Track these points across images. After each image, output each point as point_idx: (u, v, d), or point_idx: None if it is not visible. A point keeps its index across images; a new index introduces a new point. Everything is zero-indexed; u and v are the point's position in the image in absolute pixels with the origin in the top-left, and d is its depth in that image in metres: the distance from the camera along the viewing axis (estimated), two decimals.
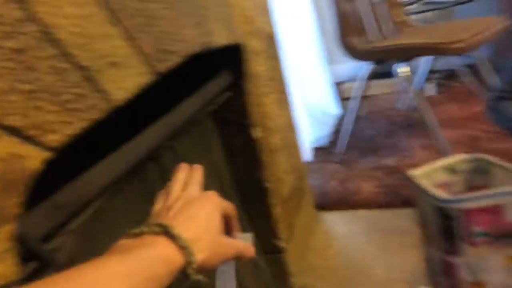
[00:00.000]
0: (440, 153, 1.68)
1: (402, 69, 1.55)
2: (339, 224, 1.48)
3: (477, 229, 0.75)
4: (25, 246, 0.42)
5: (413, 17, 1.97)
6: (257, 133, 1.02)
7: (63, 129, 0.42)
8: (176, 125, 0.69)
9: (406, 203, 1.47)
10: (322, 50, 2.26)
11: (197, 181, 0.50)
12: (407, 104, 2.25)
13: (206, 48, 0.70)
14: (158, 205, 0.48)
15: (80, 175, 0.52)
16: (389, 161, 1.77)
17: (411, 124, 2.09)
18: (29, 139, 0.39)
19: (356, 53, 1.63)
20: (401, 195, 1.50)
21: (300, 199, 1.36)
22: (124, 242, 0.38)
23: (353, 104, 1.77)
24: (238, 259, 0.46)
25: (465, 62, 2.50)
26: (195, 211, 0.43)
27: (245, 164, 1.05)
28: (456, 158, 0.88)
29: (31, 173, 0.39)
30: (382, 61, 1.62)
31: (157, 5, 0.56)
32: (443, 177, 0.87)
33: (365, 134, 2.09)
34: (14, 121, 0.38)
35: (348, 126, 1.81)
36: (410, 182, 0.83)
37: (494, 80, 1.76)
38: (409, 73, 1.55)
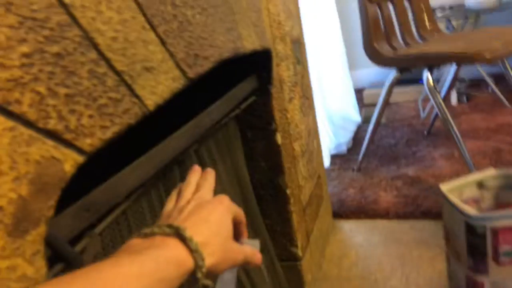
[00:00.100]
0: (462, 164, 1.66)
1: (426, 77, 1.53)
2: (355, 234, 1.46)
3: (505, 247, 0.73)
4: (53, 248, 0.42)
5: (439, 23, 1.93)
6: (279, 138, 1.01)
7: (98, 133, 0.42)
8: (203, 129, 0.69)
9: (425, 214, 1.45)
10: (345, 55, 2.24)
11: (209, 184, 0.50)
12: (429, 113, 2.22)
13: (237, 54, 0.70)
14: (169, 206, 0.48)
15: (109, 177, 0.52)
16: (409, 170, 1.74)
17: (433, 133, 2.06)
18: (65, 142, 0.39)
19: (381, 60, 1.61)
20: (420, 206, 1.48)
21: (318, 206, 1.35)
22: (135, 242, 0.38)
23: (374, 111, 1.75)
24: (245, 265, 0.45)
25: (490, 71, 2.45)
26: (207, 214, 0.42)
27: (266, 169, 1.05)
28: (486, 174, 0.86)
29: (66, 177, 0.39)
30: (407, 69, 1.60)
31: (192, 10, 0.56)
32: (472, 192, 0.85)
33: (385, 142, 2.06)
34: (51, 124, 0.38)
35: (368, 133, 1.79)
36: (439, 196, 0.82)
37: None
38: (433, 82, 1.52)
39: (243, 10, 0.76)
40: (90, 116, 0.41)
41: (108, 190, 0.50)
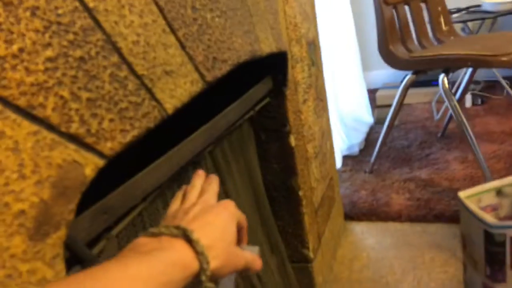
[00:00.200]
0: (476, 167, 1.64)
1: (442, 80, 1.51)
2: (367, 236, 1.45)
3: None
4: (72, 250, 0.43)
5: (455, 26, 1.91)
6: (293, 140, 1.01)
7: (118, 137, 0.42)
8: (218, 131, 0.69)
9: (438, 218, 1.43)
10: (359, 56, 2.23)
11: (214, 189, 0.50)
12: (443, 115, 2.20)
13: (254, 57, 0.70)
14: (173, 207, 0.48)
15: (125, 178, 0.52)
16: (422, 173, 1.73)
17: (447, 136, 2.03)
18: (86, 146, 0.39)
19: (396, 62, 1.59)
20: (433, 210, 1.46)
21: (330, 208, 1.35)
22: (142, 241, 0.38)
23: (388, 113, 1.74)
24: (245, 271, 0.46)
25: (505, 74, 2.42)
26: (212, 218, 0.43)
27: (279, 171, 1.05)
28: (505, 181, 0.85)
29: (86, 181, 0.40)
30: (423, 71, 1.58)
31: (211, 13, 0.56)
32: (490, 199, 0.84)
33: (398, 144, 2.05)
34: (73, 128, 0.38)
35: (381, 135, 1.78)
36: (453, 200, 0.80)
37: None
38: (448, 84, 1.50)
39: (261, 13, 0.75)
40: (111, 120, 0.41)
41: (125, 193, 0.50)
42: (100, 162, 0.41)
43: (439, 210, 1.46)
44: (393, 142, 2.07)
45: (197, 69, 0.53)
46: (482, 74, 2.57)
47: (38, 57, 0.34)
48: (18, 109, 0.34)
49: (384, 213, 1.51)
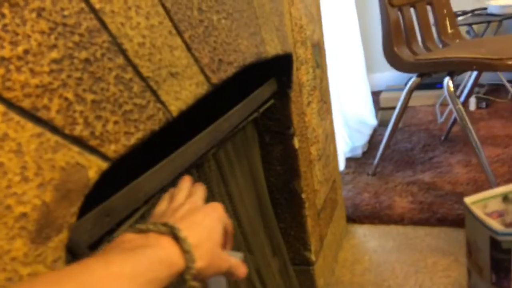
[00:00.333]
0: (480, 171, 1.63)
1: (447, 83, 1.50)
2: (369, 239, 1.45)
3: None
4: (73, 253, 0.42)
5: (461, 29, 1.90)
6: (297, 142, 1.00)
7: (122, 139, 0.42)
8: (222, 134, 0.68)
9: (441, 221, 1.43)
10: (363, 58, 2.22)
11: (201, 192, 0.50)
12: (447, 118, 2.19)
13: (259, 59, 0.69)
14: (161, 207, 0.48)
15: (128, 180, 0.52)
16: (425, 176, 1.72)
17: (450, 139, 2.02)
18: (90, 149, 0.39)
19: (401, 65, 1.58)
20: (436, 213, 1.46)
21: (333, 210, 1.34)
22: (128, 237, 0.38)
23: (392, 115, 1.73)
24: (229, 276, 0.45)
25: (510, 77, 2.41)
26: (201, 218, 0.43)
27: (282, 173, 1.04)
28: (511, 187, 0.84)
29: (89, 183, 0.39)
30: (428, 74, 1.57)
31: (217, 15, 0.56)
32: (497, 205, 0.83)
33: (402, 147, 2.04)
34: (77, 131, 0.38)
35: (385, 137, 1.77)
36: (464, 209, 0.80)
37: None
38: (453, 87, 1.49)
39: (266, 14, 0.75)
40: (115, 122, 0.41)
41: (128, 195, 0.50)
42: (104, 165, 0.40)
43: (442, 213, 1.45)
44: (397, 144, 2.06)
45: (202, 71, 0.53)
46: (487, 77, 2.56)
47: (43, 58, 0.34)
48: (22, 111, 0.33)
49: (387, 216, 1.51)
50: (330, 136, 1.32)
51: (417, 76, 1.59)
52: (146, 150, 0.57)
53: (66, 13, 0.35)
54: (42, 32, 0.33)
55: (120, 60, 0.40)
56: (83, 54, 0.37)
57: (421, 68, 1.54)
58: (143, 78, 0.43)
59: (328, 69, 1.35)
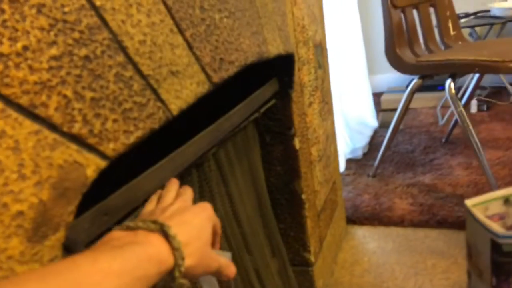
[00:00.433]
0: (480, 174, 1.62)
1: (448, 85, 1.49)
2: (369, 240, 1.44)
3: None
4: (71, 252, 0.42)
5: (463, 31, 1.90)
6: (298, 143, 1.00)
7: (121, 138, 0.41)
8: (223, 133, 0.68)
9: (441, 224, 1.42)
10: (365, 59, 2.21)
11: (190, 194, 0.50)
12: (448, 120, 2.18)
13: (261, 58, 0.69)
14: (149, 207, 0.48)
15: (127, 179, 0.52)
16: (426, 178, 1.71)
17: (451, 141, 2.02)
18: (88, 147, 0.38)
19: (403, 66, 1.58)
20: (436, 215, 1.45)
21: (333, 211, 1.34)
22: (117, 234, 0.38)
23: (393, 117, 1.73)
24: (218, 276, 0.46)
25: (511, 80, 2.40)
26: (190, 217, 0.43)
27: (282, 174, 1.04)
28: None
29: (87, 182, 0.39)
30: (430, 76, 1.57)
31: (219, 14, 0.55)
32: (498, 208, 0.82)
33: (402, 149, 2.03)
34: (76, 128, 0.37)
35: (385, 139, 1.76)
36: (465, 211, 0.79)
37: None
38: (454, 89, 1.49)
39: (269, 14, 0.74)
40: (115, 121, 0.40)
41: (127, 194, 0.50)
42: (102, 163, 0.40)
43: (442, 216, 1.44)
44: (397, 146, 2.06)
45: (203, 70, 0.52)
46: (489, 79, 2.56)
47: (42, 55, 0.33)
48: (20, 108, 0.33)
49: (387, 217, 1.50)
50: (331, 137, 1.31)
51: (419, 78, 1.59)
52: (146, 149, 0.57)
53: (66, 9, 0.35)
54: (41, 29, 0.33)
55: (120, 57, 0.40)
56: (83, 51, 0.36)
57: (423, 70, 1.54)
58: (143, 76, 0.43)
59: (330, 70, 1.35)
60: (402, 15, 1.63)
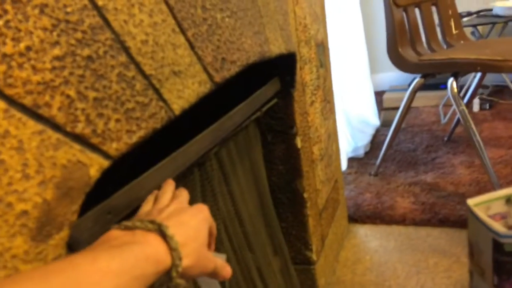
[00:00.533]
0: (483, 172, 1.62)
1: (451, 84, 1.49)
2: (371, 239, 1.44)
3: None
4: (74, 251, 0.42)
5: (465, 30, 1.89)
6: (299, 142, 1.00)
7: (124, 137, 0.41)
8: (225, 132, 0.68)
9: (443, 222, 1.42)
10: (367, 58, 2.21)
11: (186, 195, 0.50)
12: (450, 119, 2.18)
13: (263, 58, 0.69)
14: (146, 207, 0.48)
15: (130, 178, 0.52)
16: (428, 177, 1.71)
17: (453, 140, 2.02)
18: (91, 147, 0.39)
19: (405, 65, 1.58)
20: (438, 214, 1.45)
21: (334, 210, 1.34)
22: (115, 234, 0.38)
23: (395, 116, 1.72)
24: (214, 276, 0.46)
25: None
26: (187, 218, 0.43)
27: (284, 173, 1.04)
28: None
29: (91, 181, 0.39)
30: (432, 75, 1.56)
31: (221, 13, 0.55)
32: (499, 208, 0.82)
33: (404, 147, 2.03)
34: (79, 128, 0.38)
35: (387, 138, 1.76)
36: (467, 211, 0.79)
37: None
38: (457, 88, 1.49)
39: (271, 13, 0.74)
40: (117, 120, 0.41)
41: (130, 193, 0.50)
42: (105, 163, 0.40)
43: (444, 214, 1.44)
44: (399, 145, 2.06)
45: (205, 69, 0.52)
46: (491, 78, 2.55)
47: (45, 55, 0.34)
48: (23, 108, 0.33)
49: (389, 216, 1.50)
50: (332, 136, 1.31)
51: (421, 77, 1.59)
52: (148, 148, 0.57)
53: (69, 9, 0.35)
54: (44, 29, 0.33)
55: (123, 57, 0.40)
56: (86, 51, 0.36)
57: (425, 69, 1.53)
58: (145, 76, 0.43)
59: (332, 69, 1.35)
60: (404, 14, 1.62)
